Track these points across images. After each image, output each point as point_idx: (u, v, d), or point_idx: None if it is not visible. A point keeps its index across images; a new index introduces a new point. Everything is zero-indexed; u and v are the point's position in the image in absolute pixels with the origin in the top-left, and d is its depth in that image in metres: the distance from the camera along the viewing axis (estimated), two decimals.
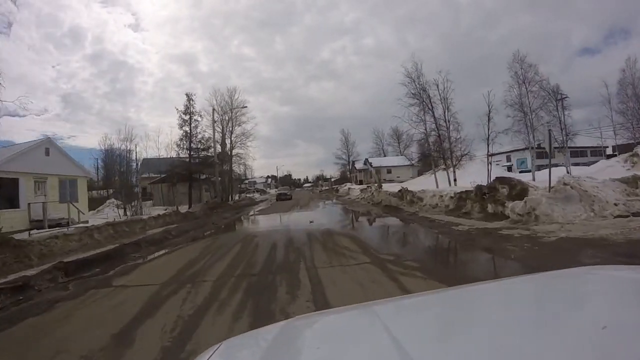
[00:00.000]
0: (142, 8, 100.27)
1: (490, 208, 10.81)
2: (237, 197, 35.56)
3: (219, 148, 32.53)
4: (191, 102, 24.17)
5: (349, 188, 35.95)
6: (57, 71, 70.88)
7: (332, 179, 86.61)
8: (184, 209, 20.29)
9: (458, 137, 18.95)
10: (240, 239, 9.25)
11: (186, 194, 30.36)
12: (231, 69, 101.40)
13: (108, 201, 35.30)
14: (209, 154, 24.24)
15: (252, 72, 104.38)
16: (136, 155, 29.38)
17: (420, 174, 53.13)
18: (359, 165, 51.41)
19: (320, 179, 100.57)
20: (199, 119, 24.19)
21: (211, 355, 0.80)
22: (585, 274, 1.17)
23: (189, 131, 23.68)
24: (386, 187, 27.80)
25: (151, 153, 35.92)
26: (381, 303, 1.11)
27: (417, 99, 19.07)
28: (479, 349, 0.65)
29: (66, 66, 71.82)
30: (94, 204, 37.78)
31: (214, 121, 22.84)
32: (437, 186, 19.11)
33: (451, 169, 23.96)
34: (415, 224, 10.28)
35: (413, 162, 52.66)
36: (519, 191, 10.92)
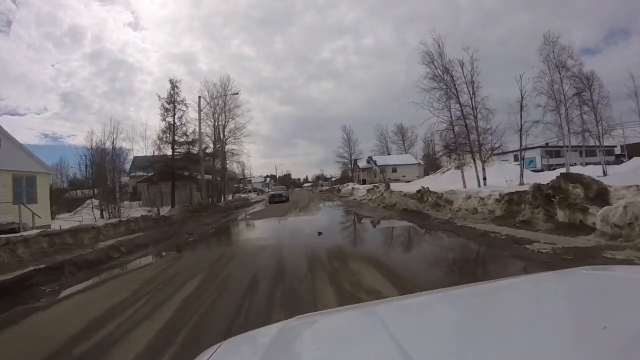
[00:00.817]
0: (141, 7, 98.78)
1: (561, 215, 7.81)
2: (230, 198, 32.50)
3: (210, 144, 29.52)
4: (176, 89, 21.12)
5: (353, 188, 32.87)
6: (57, 70, 69.12)
7: (333, 179, 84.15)
8: (167, 210, 17.40)
9: (488, 127, 15.86)
10: (208, 264, 6.23)
11: (176, 192, 27.42)
12: (231, 69, 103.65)
13: (88, 202, 32.36)
14: (197, 150, 21.19)
15: (252, 71, 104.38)
16: (133, 153, 26.44)
17: (426, 173, 50.14)
18: (361, 163, 48.34)
19: (320, 178, 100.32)
20: (185, 108, 21.13)
21: (211, 355, 0.79)
22: (585, 274, 1.15)
23: (172, 122, 20.61)
24: (393, 187, 24.83)
25: (150, 152, 33.11)
26: (381, 303, 1.12)
27: (439, 82, 15.97)
28: (479, 349, 0.65)
29: (65, 65, 70.16)
30: (77, 204, 34.89)
31: (199, 110, 19.83)
32: (465, 185, 16.02)
33: (470, 165, 20.75)
34: (462, 238, 7.27)
35: (420, 161, 49.72)
36: (597, 192, 7.95)
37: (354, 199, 24.59)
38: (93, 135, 29.02)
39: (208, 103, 26.85)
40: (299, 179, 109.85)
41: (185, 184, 29.39)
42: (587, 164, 25.30)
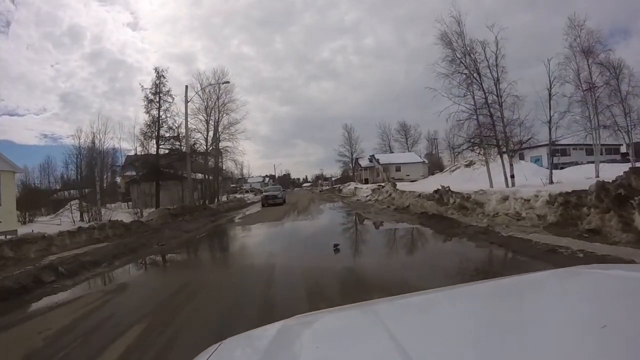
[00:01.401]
0: (140, 7, 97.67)
1: None
2: (225, 199, 30.43)
3: (202, 141, 27.47)
4: (162, 79, 19.05)
5: (355, 188, 30.83)
6: (56, 70, 67.91)
7: (333, 178, 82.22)
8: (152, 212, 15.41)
9: (515, 117, 13.79)
10: (158, 303, 4.20)
11: (165, 192, 25.39)
12: (231, 68, 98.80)
13: (71, 203, 30.26)
14: (189, 146, 19.12)
15: (251, 71, 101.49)
16: (122, 151, 24.32)
17: (431, 172, 48.13)
18: (363, 162, 46.27)
19: (320, 178, 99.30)
20: (170, 100, 19.06)
21: (211, 355, 0.79)
22: (585, 274, 1.15)
23: (157, 116, 18.55)
24: (398, 187, 22.80)
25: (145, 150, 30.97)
26: (381, 302, 1.09)
27: (458, 65, 13.92)
28: (479, 348, 0.65)
29: (65, 65, 69.13)
30: (62, 205, 32.79)
31: (186, 100, 17.74)
32: (491, 184, 13.98)
33: (489, 161, 18.65)
34: (524, 256, 5.24)
35: (424, 159, 47.68)
36: None
37: (358, 200, 22.55)
38: (81, 132, 26.96)
39: (197, 92, 24.80)
40: (299, 179, 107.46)
41: (177, 184, 27.41)
42: (591, 162, 23.37)
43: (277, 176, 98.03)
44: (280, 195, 20.99)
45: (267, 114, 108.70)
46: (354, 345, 0.77)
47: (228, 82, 18.79)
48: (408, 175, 41.58)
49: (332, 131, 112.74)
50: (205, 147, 26.94)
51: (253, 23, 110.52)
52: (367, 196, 24.57)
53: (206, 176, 27.88)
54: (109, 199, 27.83)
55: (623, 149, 37.70)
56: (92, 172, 25.52)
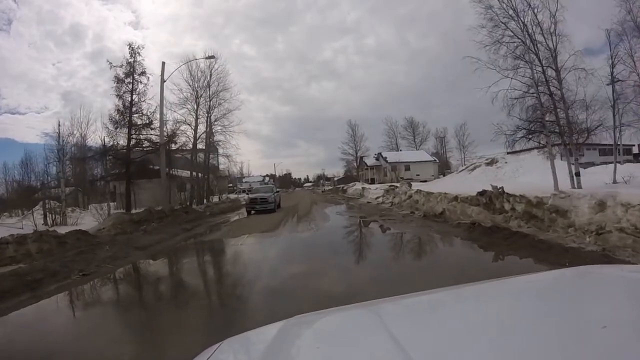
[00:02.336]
0: (142, 6, 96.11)
1: None
2: (217, 199, 27.28)
3: (190, 133, 24.33)
4: (137, 56, 15.89)
5: (363, 188, 27.60)
6: (58, 69, 66.32)
7: (335, 178, 79.16)
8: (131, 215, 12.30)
9: (577, 98, 10.55)
10: None
11: (149, 192, 22.33)
12: (232, 68, 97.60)
13: (45, 202, 27.15)
14: (163, 134, 15.87)
15: (252, 71, 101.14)
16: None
17: (440, 171, 44.90)
18: (369, 161, 42.98)
19: (322, 178, 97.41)
20: (146, 80, 15.87)
21: (211, 355, 0.79)
22: (585, 274, 1.16)
23: (130, 100, 15.39)
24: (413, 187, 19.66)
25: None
26: (381, 302, 1.07)
27: (504, 30, 10.70)
28: (479, 348, 0.65)
29: (67, 64, 67.35)
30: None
31: (162, 80, 14.57)
32: (556, 186, 10.73)
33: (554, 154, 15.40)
34: None
35: (434, 158, 44.48)
36: None
37: (369, 203, 19.37)
38: (61, 127, 23.82)
39: (193, 90, 21.81)
40: (300, 179, 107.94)
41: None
42: (604, 162, 20.24)
43: (277, 175, 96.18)
44: (272, 198, 14.16)
45: (268, 113, 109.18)
46: (354, 346, 0.76)
47: (213, 57, 15.66)
48: (418, 175, 38.37)
49: (333, 132, 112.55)
50: (194, 141, 23.82)
51: (254, 23, 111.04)
52: (378, 198, 21.37)
53: (195, 174, 24.75)
54: (100, 199, 24.73)
55: (635, 150, 35.23)
56: (63, 167, 22.47)
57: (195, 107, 24.49)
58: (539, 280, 1.18)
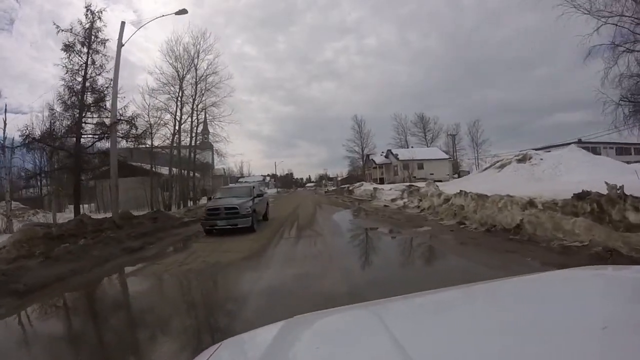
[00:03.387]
0: (143, 6, 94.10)
1: None
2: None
3: (174, 122, 20.75)
4: (97, 21, 12.31)
5: (375, 188, 23.90)
6: (59, 68, 63.82)
7: (339, 178, 75.73)
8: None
9: None
10: None
11: (130, 192, 18.84)
12: (233, 68, 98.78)
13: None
14: (116, 112, 11.96)
15: (253, 71, 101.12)
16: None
17: (456, 171, 41.22)
18: (378, 159, 39.20)
19: (324, 178, 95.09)
20: (102, 48, 12.27)
21: (211, 355, 0.79)
22: (585, 274, 1.17)
23: (84, 75, 11.80)
24: (422, 189, 16.10)
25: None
26: (381, 303, 1.07)
27: None
28: (479, 348, 0.64)
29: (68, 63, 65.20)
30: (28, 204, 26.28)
31: (120, 44, 10.86)
32: None
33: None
34: None
35: (449, 156, 40.77)
36: None
37: (386, 206, 15.72)
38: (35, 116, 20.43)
39: (176, 70, 18.26)
40: (302, 179, 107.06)
41: (144, 181, 20.76)
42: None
43: (279, 175, 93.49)
44: (247, 207, 8.46)
45: (269, 114, 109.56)
46: (354, 346, 0.76)
47: (184, 12, 11.87)
48: (432, 174, 34.67)
49: (334, 132, 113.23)
50: (173, 131, 20.24)
51: (255, 23, 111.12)
52: (395, 200, 17.72)
53: (180, 171, 21.17)
54: (89, 198, 21.35)
55: None
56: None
57: (179, 92, 20.92)
58: (539, 281, 1.18)
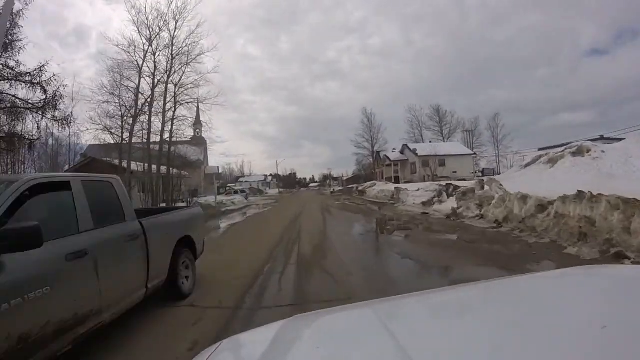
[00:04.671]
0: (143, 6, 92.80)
1: None
2: (184, 203, 19.22)
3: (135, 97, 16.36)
4: None
5: (398, 189, 19.25)
6: (62, 69, 61.93)
7: (344, 178, 71.47)
8: None
9: None
10: None
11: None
12: (236, 69, 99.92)
13: None
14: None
15: (257, 72, 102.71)
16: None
17: (480, 171, 36.56)
18: (393, 155, 34.55)
19: (328, 178, 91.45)
20: None
21: (211, 355, 0.79)
22: (585, 274, 1.16)
23: None
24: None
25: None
26: (381, 302, 1.05)
27: None
28: (479, 348, 0.64)
29: (71, 64, 63.00)
30: None
31: None
32: None
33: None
34: None
35: (473, 152, 36.09)
36: None
37: (424, 214, 11.21)
38: None
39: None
40: (305, 179, 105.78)
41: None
42: None
43: (281, 175, 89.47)
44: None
45: (273, 114, 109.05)
46: (354, 345, 0.76)
47: None
48: (455, 172, 30.07)
49: (337, 133, 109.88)
50: (135, 111, 15.75)
51: (258, 23, 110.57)
52: (430, 204, 13.26)
53: (148, 166, 16.74)
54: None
55: None
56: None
57: (142, 64, 16.40)
58: (539, 280, 1.17)
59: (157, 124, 16.76)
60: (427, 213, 11.19)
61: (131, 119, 15.70)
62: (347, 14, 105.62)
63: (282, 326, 0.90)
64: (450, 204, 12.51)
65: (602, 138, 32.52)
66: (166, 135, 16.75)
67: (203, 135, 27.12)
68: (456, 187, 14.60)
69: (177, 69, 16.86)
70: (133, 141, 16.33)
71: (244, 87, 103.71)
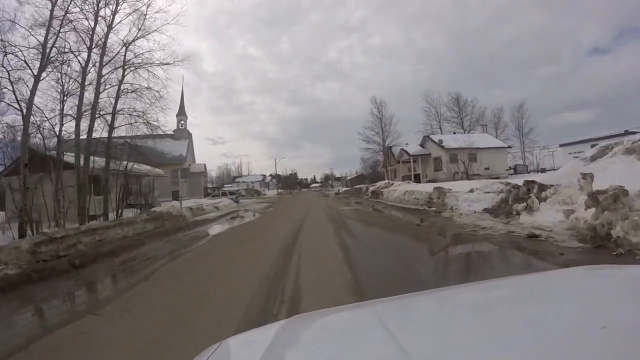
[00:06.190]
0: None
1: None
2: (139, 212, 13.97)
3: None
4: None
5: (440, 189, 13.75)
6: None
7: (348, 178, 66.74)
8: None
9: None
10: None
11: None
12: (237, 69, 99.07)
13: None
14: None
15: (258, 72, 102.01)
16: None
17: (517, 167, 31.23)
18: (412, 149, 29.20)
19: (330, 178, 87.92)
20: None
21: (211, 354, 0.78)
22: (585, 274, 1.14)
23: None
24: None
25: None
26: (381, 302, 1.04)
27: None
28: (479, 348, 0.64)
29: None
30: None
31: None
32: None
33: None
34: None
35: (508, 145, 30.77)
36: None
37: (510, 233, 6.06)
38: None
39: None
40: (306, 179, 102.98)
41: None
42: None
43: (281, 175, 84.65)
44: None
45: (274, 114, 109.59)
46: (354, 345, 0.75)
47: None
48: (487, 169, 24.85)
49: (338, 133, 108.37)
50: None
51: (259, 23, 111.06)
52: (512, 213, 8.07)
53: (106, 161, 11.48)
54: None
55: None
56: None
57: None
58: (539, 280, 1.16)
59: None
60: (537, 235, 5.93)
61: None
62: (348, 12, 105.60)
63: (282, 326, 0.90)
64: (548, 213, 7.37)
65: (626, 133, 27.91)
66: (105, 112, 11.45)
67: (188, 129, 21.57)
68: (542, 186, 9.40)
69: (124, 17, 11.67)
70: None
71: (244, 88, 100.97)
